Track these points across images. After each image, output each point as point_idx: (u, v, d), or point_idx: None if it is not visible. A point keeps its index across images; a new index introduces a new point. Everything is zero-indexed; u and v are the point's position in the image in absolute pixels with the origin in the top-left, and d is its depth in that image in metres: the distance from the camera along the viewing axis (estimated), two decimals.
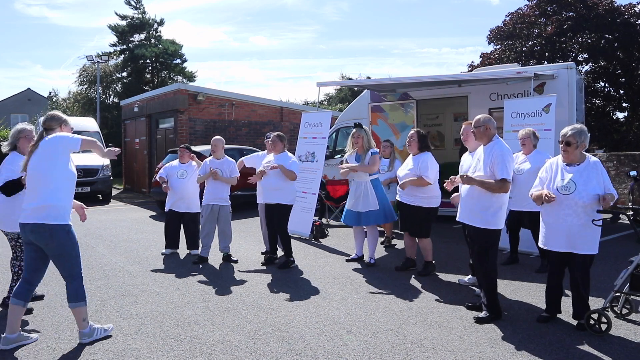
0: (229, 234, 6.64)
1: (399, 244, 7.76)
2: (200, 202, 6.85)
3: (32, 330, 4.09)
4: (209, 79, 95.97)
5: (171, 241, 7.10)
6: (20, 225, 3.65)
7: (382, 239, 7.60)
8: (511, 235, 6.30)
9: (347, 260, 6.46)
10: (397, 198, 5.89)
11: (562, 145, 4.04)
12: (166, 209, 7.07)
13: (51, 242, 3.58)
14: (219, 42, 77.46)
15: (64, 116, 3.94)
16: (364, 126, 6.35)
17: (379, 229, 7.19)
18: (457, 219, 4.60)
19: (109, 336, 3.93)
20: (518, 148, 6.08)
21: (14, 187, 4.35)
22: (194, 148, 12.00)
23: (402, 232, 6.12)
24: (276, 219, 6.27)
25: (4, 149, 4.64)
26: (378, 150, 6.37)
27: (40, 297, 4.96)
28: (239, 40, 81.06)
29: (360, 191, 6.11)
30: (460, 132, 5.22)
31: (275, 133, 6.51)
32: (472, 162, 4.53)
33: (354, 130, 6.21)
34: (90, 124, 16.60)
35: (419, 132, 5.84)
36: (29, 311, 4.60)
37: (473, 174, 4.33)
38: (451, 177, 4.81)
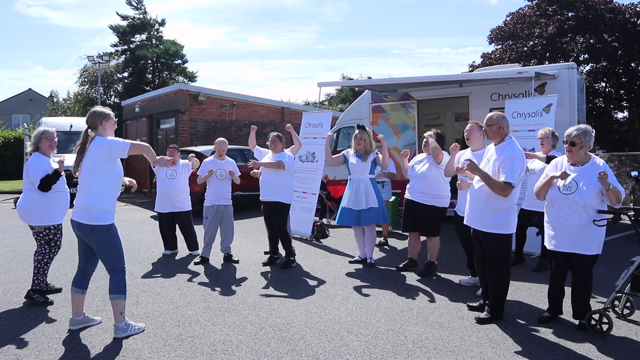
0: (231, 233, 6.65)
1: (396, 244, 7.76)
2: (195, 202, 6.86)
3: (30, 329, 4.11)
4: (209, 79, 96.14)
5: (169, 242, 7.10)
6: (71, 220, 3.96)
7: (379, 239, 7.59)
8: (518, 234, 6.29)
9: (351, 262, 6.45)
10: (408, 197, 5.87)
11: (566, 145, 4.03)
12: (156, 210, 7.06)
13: (92, 239, 3.89)
14: (219, 43, 77.63)
15: (107, 110, 4.01)
16: (366, 128, 6.38)
17: (377, 229, 7.19)
18: (464, 222, 4.51)
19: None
20: None
21: (50, 181, 4.70)
22: (194, 148, 12.06)
23: (404, 233, 6.12)
24: (275, 219, 6.28)
25: (28, 149, 4.98)
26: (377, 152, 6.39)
27: (59, 290, 5.16)
28: (239, 40, 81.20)
29: (362, 189, 6.12)
30: (465, 129, 5.19)
31: (275, 133, 6.52)
32: (481, 163, 4.42)
33: (357, 132, 6.25)
34: None
35: (438, 133, 5.78)
36: (50, 303, 4.76)
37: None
38: (458, 166, 4.61)
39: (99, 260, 4.04)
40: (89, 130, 3.91)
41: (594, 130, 4.21)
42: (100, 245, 3.90)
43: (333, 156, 6.63)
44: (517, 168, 4.01)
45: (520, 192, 5.68)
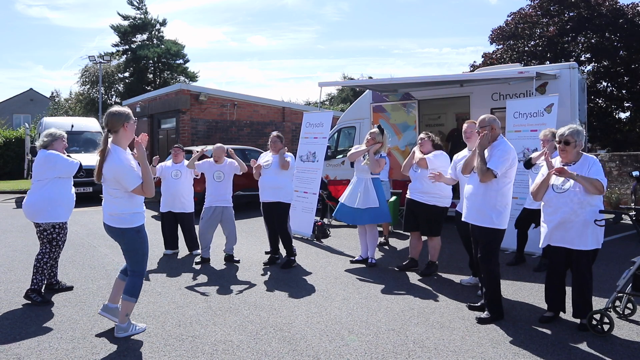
0: (235, 235, 6.63)
1: (397, 244, 7.76)
2: (196, 202, 6.90)
3: (32, 329, 4.11)
4: (209, 80, 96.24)
5: (170, 242, 7.11)
6: (103, 223, 3.98)
7: (380, 239, 7.58)
8: (519, 234, 6.29)
9: (352, 262, 6.45)
10: (409, 197, 5.88)
11: (560, 144, 4.06)
12: (161, 210, 7.09)
13: (122, 240, 3.92)
14: (218, 43, 77.66)
15: (127, 110, 3.82)
16: (385, 132, 6.35)
17: (378, 229, 7.19)
18: (462, 218, 4.59)
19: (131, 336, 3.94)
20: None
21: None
22: (195, 148, 12.07)
23: (405, 232, 6.11)
24: (276, 218, 6.28)
25: (37, 144, 5.11)
26: (386, 155, 6.40)
27: (70, 288, 5.22)
28: (238, 40, 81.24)
29: (361, 187, 6.12)
30: (463, 130, 5.22)
31: (275, 133, 6.54)
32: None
33: (373, 130, 6.26)
34: (92, 124, 16.62)
35: (428, 134, 5.87)
36: (48, 302, 4.78)
37: (474, 174, 4.35)
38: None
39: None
40: (109, 134, 3.76)
41: (588, 129, 4.26)
42: (129, 247, 3.92)
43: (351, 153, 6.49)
44: (503, 160, 4.21)
45: (517, 192, 5.70)
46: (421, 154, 5.79)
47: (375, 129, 6.26)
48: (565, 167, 3.94)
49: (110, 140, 3.78)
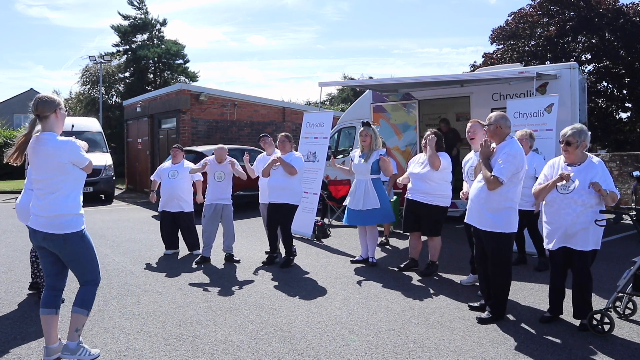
0: (233, 233, 6.65)
1: (397, 244, 7.76)
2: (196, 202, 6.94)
3: (32, 329, 4.11)
4: (209, 80, 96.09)
5: (169, 241, 7.11)
6: (31, 230, 3.41)
7: (380, 239, 7.58)
8: (516, 235, 6.26)
9: (352, 262, 6.45)
10: (410, 197, 5.85)
11: (562, 145, 4.04)
12: (159, 210, 7.12)
13: (64, 250, 3.37)
14: (219, 43, 77.58)
15: (57, 98, 3.46)
16: (372, 125, 6.36)
17: (379, 228, 7.19)
18: (465, 220, 4.55)
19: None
20: None
21: None
22: (195, 148, 12.07)
23: (405, 232, 6.10)
24: (281, 218, 6.26)
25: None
26: (386, 150, 6.37)
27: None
28: (237, 40, 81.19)
29: (362, 189, 6.12)
30: (467, 131, 5.19)
31: (283, 133, 6.53)
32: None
33: (362, 129, 6.23)
34: (92, 124, 16.65)
35: (437, 132, 5.78)
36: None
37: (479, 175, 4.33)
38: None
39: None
40: (38, 120, 3.37)
41: (589, 129, 4.22)
42: (73, 256, 3.40)
43: (344, 166, 6.57)
44: (510, 165, 4.06)
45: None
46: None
47: (362, 129, 6.23)
48: (570, 170, 3.92)
49: (39, 128, 3.38)
